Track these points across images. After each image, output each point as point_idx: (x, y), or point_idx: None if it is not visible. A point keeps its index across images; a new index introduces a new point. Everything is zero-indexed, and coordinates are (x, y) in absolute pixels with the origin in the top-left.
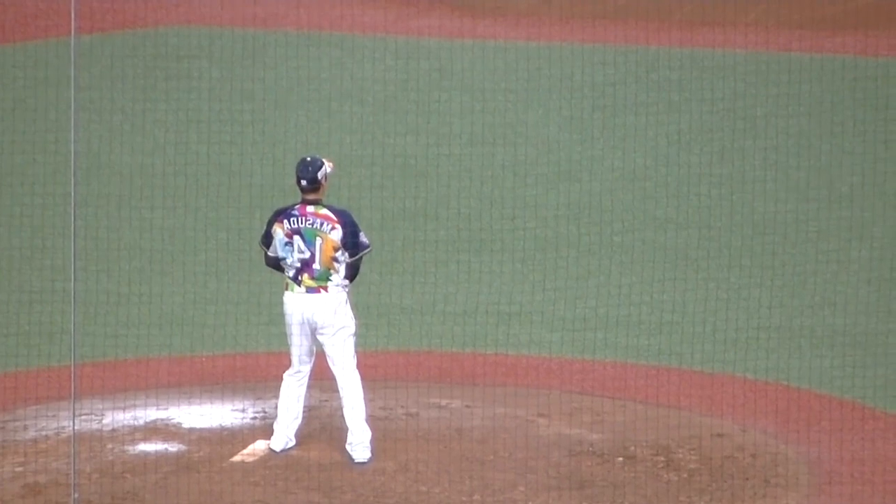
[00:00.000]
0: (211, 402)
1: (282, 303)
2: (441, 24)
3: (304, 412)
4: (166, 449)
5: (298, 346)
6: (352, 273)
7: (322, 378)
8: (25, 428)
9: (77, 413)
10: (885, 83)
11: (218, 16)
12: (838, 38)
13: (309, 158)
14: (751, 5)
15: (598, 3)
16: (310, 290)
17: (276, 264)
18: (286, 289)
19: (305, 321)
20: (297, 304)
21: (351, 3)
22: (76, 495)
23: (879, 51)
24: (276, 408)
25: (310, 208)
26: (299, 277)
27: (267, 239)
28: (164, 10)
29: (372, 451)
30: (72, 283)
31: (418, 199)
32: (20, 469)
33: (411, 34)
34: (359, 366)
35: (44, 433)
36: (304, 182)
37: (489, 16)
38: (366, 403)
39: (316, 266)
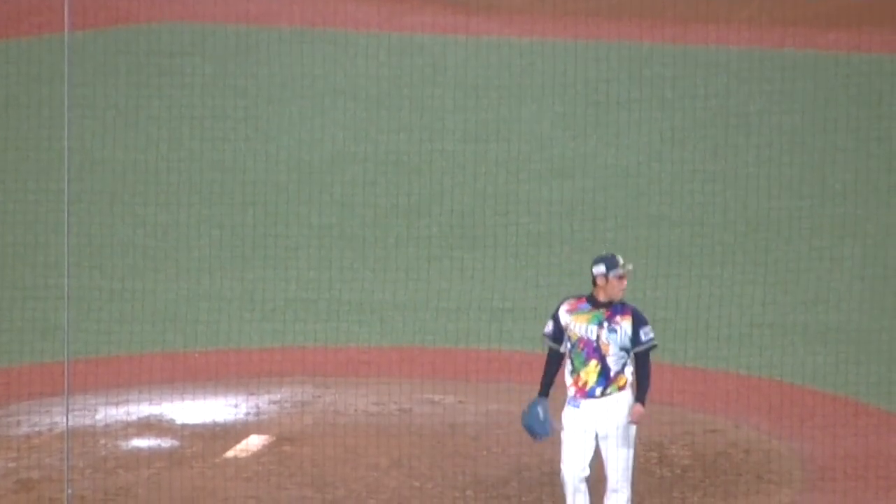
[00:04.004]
0: (204, 398)
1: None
2: (434, 20)
3: (299, 408)
4: (159, 444)
5: None
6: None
7: (315, 374)
8: (18, 423)
9: (70, 409)
10: (878, 80)
11: (211, 12)
12: (831, 35)
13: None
14: (744, 2)
15: None
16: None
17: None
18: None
19: None
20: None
21: None
22: (69, 491)
23: (872, 47)
24: (268, 403)
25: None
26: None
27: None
28: (157, 7)
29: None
30: (65, 280)
31: (411, 196)
32: (13, 464)
33: (404, 30)
34: (353, 362)
35: (37, 429)
36: None
37: (482, 12)
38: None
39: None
